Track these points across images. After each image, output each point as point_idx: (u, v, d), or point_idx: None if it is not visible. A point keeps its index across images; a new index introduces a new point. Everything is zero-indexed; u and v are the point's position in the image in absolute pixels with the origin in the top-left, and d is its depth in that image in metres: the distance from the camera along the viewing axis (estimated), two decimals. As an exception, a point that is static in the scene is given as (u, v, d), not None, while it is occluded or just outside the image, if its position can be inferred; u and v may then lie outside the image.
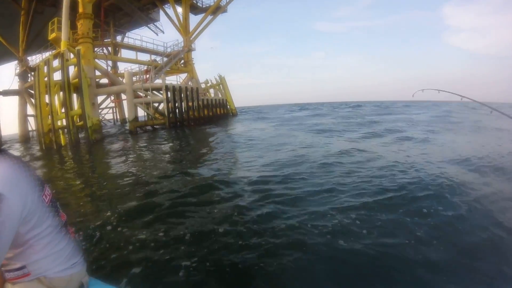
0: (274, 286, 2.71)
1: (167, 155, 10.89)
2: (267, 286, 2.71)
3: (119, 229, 3.99)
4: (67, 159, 13.02)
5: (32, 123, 27.41)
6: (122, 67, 27.55)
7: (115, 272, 2.89)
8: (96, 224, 4.15)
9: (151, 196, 5.33)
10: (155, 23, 31.64)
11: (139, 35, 40.56)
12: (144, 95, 20.02)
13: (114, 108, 31.86)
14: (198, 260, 3.06)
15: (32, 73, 25.62)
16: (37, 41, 26.16)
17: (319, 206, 4.43)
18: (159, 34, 31.95)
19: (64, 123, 18.22)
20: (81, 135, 18.49)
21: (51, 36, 20.53)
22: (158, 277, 2.81)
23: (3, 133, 25.25)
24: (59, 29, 19.81)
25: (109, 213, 4.58)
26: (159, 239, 3.57)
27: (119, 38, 29.09)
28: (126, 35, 28.00)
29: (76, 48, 19.15)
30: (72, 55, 19.09)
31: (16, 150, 17.58)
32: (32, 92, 25.86)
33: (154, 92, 20.21)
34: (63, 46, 19.38)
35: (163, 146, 13.35)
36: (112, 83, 21.11)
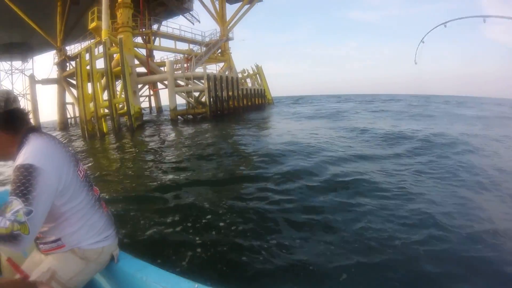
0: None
1: (209, 145, 10.11)
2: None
3: (150, 211, 4.08)
4: (110, 145, 12.76)
5: (70, 111, 27.76)
6: (158, 56, 27.09)
7: (145, 249, 3.01)
8: (131, 205, 4.35)
9: (189, 184, 5.31)
10: (190, 12, 31.10)
11: (177, 24, 40.40)
12: (185, 84, 19.51)
13: (149, 97, 31.78)
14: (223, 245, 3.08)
15: (71, 62, 25.95)
16: (74, 32, 26.33)
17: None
18: (195, 23, 31.33)
19: (106, 111, 18.09)
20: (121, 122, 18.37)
21: (92, 25, 20.35)
22: (185, 258, 2.85)
23: (42, 120, 25.62)
24: (99, 18, 19.65)
25: (143, 195, 4.83)
26: (190, 224, 3.59)
27: (155, 27, 28.76)
28: (162, 24, 27.53)
29: (118, 37, 18.93)
30: (112, 44, 18.90)
31: (60, 136, 17.47)
32: (70, 80, 26.29)
33: (195, 81, 19.68)
34: (104, 35, 19.18)
35: (206, 135, 12.64)
36: (152, 71, 20.72)
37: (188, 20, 31.63)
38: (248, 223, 3.55)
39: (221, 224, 3.53)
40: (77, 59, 19.37)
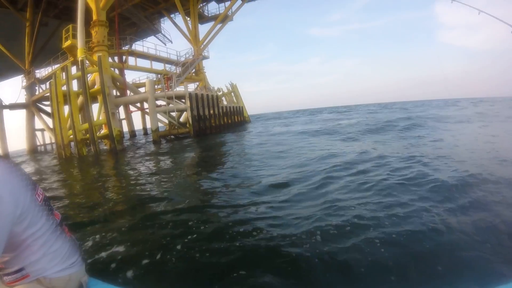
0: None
1: (196, 164, 9.90)
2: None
3: (121, 234, 3.85)
4: (93, 169, 12.22)
5: (39, 137, 26.32)
6: (129, 77, 26.61)
7: (115, 273, 2.82)
8: (99, 229, 4.11)
9: (171, 204, 5.06)
10: (162, 33, 31.13)
11: (152, 43, 39.95)
12: (166, 103, 19.33)
13: (121, 121, 30.80)
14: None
15: (41, 85, 24.91)
16: (43, 54, 25.59)
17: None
18: (167, 43, 31.34)
19: (84, 135, 17.43)
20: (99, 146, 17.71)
21: (66, 44, 19.64)
22: (158, 277, 2.73)
23: (10, 149, 24.06)
24: (74, 36, 18.99)
25: (120, 218, 4.58)
26: (168, 243, 3.44)
27: (126, 47, 28.42)
28: (137, 43, 27.29)
29: (97, 55, 18.43)
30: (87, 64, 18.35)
31: (36, 163, 16.43)
32: (40, 105, 25.12)
33: (176, 100, 19.57)
34: (80, 54, 18.55)
35: (191, 154, 12.46)
36: (131, 92, 20.36)
37: (160, 40, 31.73)
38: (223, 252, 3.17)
39: (198, 248, 3.24)
40: (52, 80, 18.59)
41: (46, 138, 26.46)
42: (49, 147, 26.43)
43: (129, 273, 2.80)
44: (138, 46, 25.64)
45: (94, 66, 18.59)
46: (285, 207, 4.32)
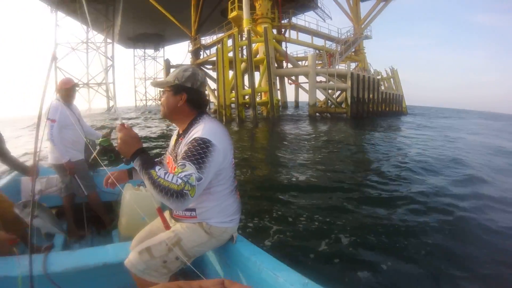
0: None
1: (351, 151, 8.58)
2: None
3: (274, 203, 4.08)
4: (250, 132, 12.21)
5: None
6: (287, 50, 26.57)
7: (261, 237, 3.06)
8: (256, 193, 4.48)
9: (319, 185, 5.01)
10: (322, 8, 30.07)
11: (314, 19, 39.96)
12: (325, 80, 18.41)
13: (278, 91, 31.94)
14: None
15: (206, 50, 27.36)
16: (206, 24, 28.02)
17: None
18: (326, 20, 30.17)
19: (246, 99, 18.07)
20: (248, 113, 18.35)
21: (232, 14, 20.52)
22: (300, 254, 2.77)
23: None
24: (240, 8, 19.69)
25: (271, 186, 4.86)
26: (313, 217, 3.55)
27: (285, 21, 28.52)
28: (298, 18, 26.96)
29: (263, 26, 18.77)
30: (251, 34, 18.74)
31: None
32: (203, 68, 27.63)
33: (337, 78, 18.44)
34: (245, 24, 19.14)
35: (348, 138, 10.79)
36: (291, 64, 20.14)
37: (319, 16, 30.65)
38: (377, 235, 3.21)
39: (347, 229, 3.33)
40: (218, 46, 19.81)
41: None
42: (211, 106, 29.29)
43: (272, 241, 3.02)
44: (299, 20, 25.10)
45: (258, 36, 19.02)
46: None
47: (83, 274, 1.53)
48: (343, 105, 18.58)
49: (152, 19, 34.19)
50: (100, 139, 1.22)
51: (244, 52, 19.51)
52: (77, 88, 2.97)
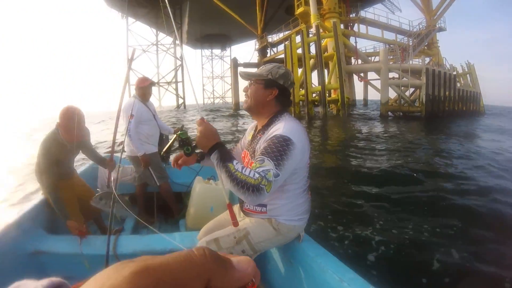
0: None
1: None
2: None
3: (345, 205, 4.03)
4: (324, 130, 12.18)
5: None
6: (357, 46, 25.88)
7: (328, 238, 3.04)
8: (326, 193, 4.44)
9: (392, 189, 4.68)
10: (390, 0, 28.84)
11: (384, 11, 38.54)
12: (398, 76, 17.79)
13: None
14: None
15: (273, 48, 27.85)
16: (271, 22, 28.37)
17: None
18: (395, 12, 28.89)
19: (314, 96, 18.22)
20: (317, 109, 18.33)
21: (299, 10, 20.50)
22: (367, 258, 2.71)
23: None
24: (306, 3, 19.61)
25: (341, 187, 4.77)
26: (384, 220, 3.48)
27: (352, 15, 27.84)
28: (361, 13, 26.13)
29: (332, 21, 18.56)
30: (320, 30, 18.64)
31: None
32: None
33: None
34: (313, 19, 19.08)
35: (426, 142, 9.25)
36: (362, 60, 19.76)
37: (388, 8, 29.42)
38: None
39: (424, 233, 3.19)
40: (287, 43, 20.07)
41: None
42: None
43: (339, 244, 2.96)
44: (368, 14, 24.36)
45: (326, 32, 18.83)
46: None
47: None
48: (417, 103, 17.83)
49: (218, 20, 35.72)
50: (180, 132, 1.34)
51: (312, 48, 19.66)
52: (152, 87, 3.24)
